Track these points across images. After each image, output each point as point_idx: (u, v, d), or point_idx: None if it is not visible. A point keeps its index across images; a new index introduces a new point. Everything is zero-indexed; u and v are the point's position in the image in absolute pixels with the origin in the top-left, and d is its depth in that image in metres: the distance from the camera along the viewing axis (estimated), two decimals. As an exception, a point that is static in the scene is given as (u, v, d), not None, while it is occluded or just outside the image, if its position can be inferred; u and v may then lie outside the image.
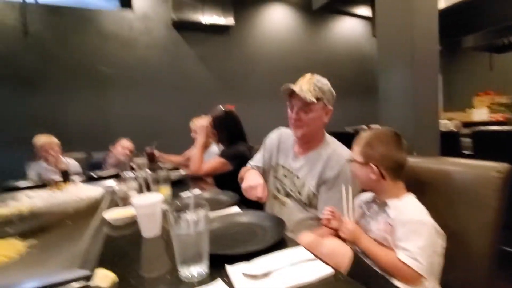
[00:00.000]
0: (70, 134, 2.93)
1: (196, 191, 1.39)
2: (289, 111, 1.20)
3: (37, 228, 0.96)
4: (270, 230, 0.82)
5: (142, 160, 1.80)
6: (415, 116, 2.15)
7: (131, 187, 1.24)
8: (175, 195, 1.27)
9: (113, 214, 0.99)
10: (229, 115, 1.93)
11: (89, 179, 1.88)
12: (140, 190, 1.23)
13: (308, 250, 0.70)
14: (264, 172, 1.36)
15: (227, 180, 1.65)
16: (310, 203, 1.16)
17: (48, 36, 3.39)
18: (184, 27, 3.96)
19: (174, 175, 1.70)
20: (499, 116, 4.21)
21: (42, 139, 2.34)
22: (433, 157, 1.18)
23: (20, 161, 2.42)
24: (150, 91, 3.86)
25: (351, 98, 4.86)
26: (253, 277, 0.59)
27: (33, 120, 3.22)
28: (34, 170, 2.31)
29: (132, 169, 1.69)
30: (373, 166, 0.87)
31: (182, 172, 1.90)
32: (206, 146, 1.98)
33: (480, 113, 4.40)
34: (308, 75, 1.17)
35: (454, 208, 0.85)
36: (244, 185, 1.16)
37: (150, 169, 1.50)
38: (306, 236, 0.91)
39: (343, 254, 0.81)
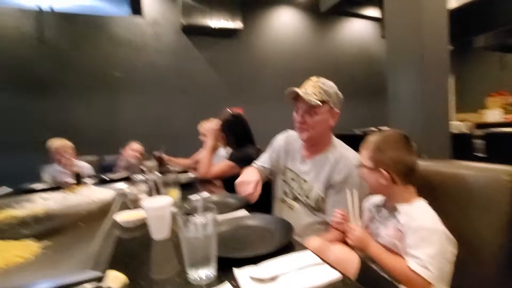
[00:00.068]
0: (83, 137, 2.99)
1: (205, 194, 1.40)
2: (294, 114, 1.19)
3: (51, 229, 0.98)
4: (278, 234, 0.82)
5: (152, 163, 1.82)
6: (424, 118, 2.12)
7: (141, 190, 1.26)
8: (184, 198, 1.28)
9: (123, 217, 1.00)
10: (237, 118, 1.94)
11: (101, 182, 1.92)
12: (150, 193, 1.25)
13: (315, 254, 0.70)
14: (272, 174, 1.36)
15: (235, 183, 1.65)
16: (318, 207, 1.15)
17: (62, 42, 3.50)
18: (193, 32, 4.02)
19: (183, 178, 1.71)
20: (513, 117, 4.11)
21: (57, 143, 2.40)
22: (444, 160, 1.16)
23: (35, 164, 2.49)
24: (160, 95, 3.92)
25: (359, 100, 4.81)
26: (261, 280, 0.59)
27: (48, 124, 3.33)
28: (49, 172, 2.37)
29: (142, 171, 1.72)
30: (383, 171, 0.84)
31: (191, 175, 1.91)
32: (214, 149, 1.99)
33: (494, 114, 4.29)
34: (313, 78, 1.17)
35: (465, 213, 0.83)
36: (238, 179, 1.16)
37: (159, 172, 1.52)
38: (313, 241, 0.90)
39: (351, 261, 0.80)
